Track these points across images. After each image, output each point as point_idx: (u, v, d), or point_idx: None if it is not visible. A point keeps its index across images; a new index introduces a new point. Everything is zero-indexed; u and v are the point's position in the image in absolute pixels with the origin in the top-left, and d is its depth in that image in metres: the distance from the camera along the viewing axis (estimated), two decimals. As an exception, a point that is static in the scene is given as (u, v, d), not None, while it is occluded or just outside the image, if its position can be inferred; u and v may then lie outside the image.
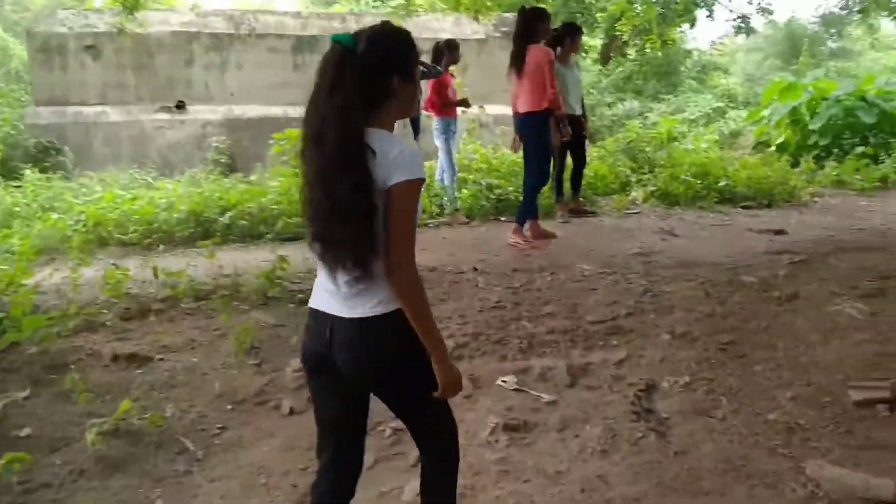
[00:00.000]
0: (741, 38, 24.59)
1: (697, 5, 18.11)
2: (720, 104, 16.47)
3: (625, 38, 15.60)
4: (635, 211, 7.78)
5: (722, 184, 8.36)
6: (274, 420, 3.65)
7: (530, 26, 6.20)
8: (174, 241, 6.73)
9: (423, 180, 1.96)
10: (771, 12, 21.18)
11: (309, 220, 2.01)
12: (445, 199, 7.71)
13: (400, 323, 1.94)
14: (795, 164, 9.75)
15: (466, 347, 4.20)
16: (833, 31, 32.51)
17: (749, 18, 21.70)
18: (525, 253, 5.91)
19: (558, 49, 6.92)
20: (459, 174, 8.06)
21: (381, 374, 2.01)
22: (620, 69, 18.89)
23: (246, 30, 12.13)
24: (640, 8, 10.66)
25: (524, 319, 4.58)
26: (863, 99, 10.35)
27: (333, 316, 1.99)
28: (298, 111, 11.18)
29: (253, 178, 8.78)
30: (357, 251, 1.89)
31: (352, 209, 1.86)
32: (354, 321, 1.95)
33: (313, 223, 1.98)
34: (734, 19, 21.72)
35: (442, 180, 7.81)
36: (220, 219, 6.93)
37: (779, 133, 10.86)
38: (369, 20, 12.61)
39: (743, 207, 8.06)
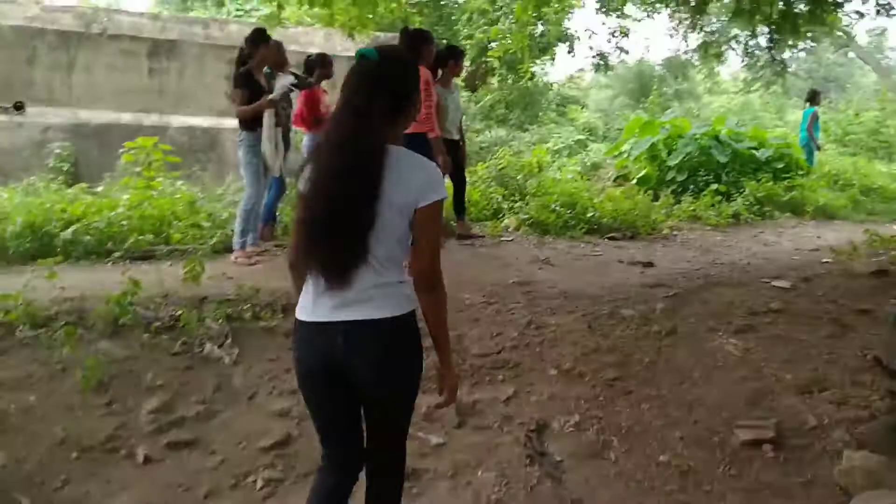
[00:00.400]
0: (591, 74, 25.59)
1: (561, 41, 18.70)
2: (581, 136, 17.01)
3: (494, 65, 15.79)
4: (509, 238, 7.72)
5: (589, 214, 8.47)
6: (126, 470, 3.20)
7: (415, 48, 6.04)
8: (8, 258, 5.95)
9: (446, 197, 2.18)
10: (627, 52, 22.27)
11: (310, 230, 2.09)
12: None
13: (413, 323, 2.14)
14: (655, 198, 10.08)
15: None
16: (677, 74, 34.83)
17: (608, 56, 22.72)
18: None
19: (440, 72, 6.78)
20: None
21: (390, 371, 2.13)
22: (489, 97, 19.16)
23: (97, 29, 11.22)
24: (510, 39, 10.78)
25: (406, 353, 4.33)
26: (716, 138, 10.92)
27: (345, 322, 2.07)
28: (153, 118, 10.29)
29: (100, 189, 8.01)
30: (354, 261, 2.03)
31: (362, 220, 2.01)
32: (371, 322, 2.06)
33: (315, 232, 2.07)
34: (593, 56, 22.66)
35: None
36: (63, 234, 6.20)
37: (639, 167, 11.26)
38: (235, 28, 12.05)
39: (610, 238, 8.19)
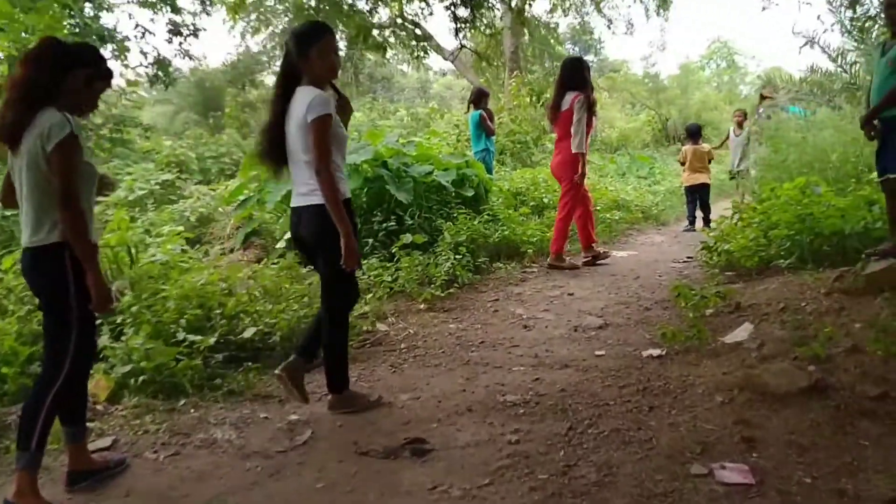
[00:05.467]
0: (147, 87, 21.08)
1: (104, 41, 14.31)
2: (170, 176, 12.62)
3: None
4: (111, 437, 3.84)
5: (249, 331, 5.00)
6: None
7: None
8: None
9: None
10: (192, 58, 18.91)
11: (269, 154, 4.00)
12: None
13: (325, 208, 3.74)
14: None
15: None
16: (244, 82, 31.85)
17: (170, 62, 18.82)
18: None
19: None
20: None
21: (323, 238, 3.79)
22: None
23: None
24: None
25: None
26: (385, 166, 7.94)
27: (300, 207, 3.88)
28: None
29: None
30: (279, 164, 3.98)
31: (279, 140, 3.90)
32: (312, 206, 3.78)
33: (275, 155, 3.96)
34: (149, 65, 18.57)
35: None
36: None
37: (284, 223, 7.70)
38: None
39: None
